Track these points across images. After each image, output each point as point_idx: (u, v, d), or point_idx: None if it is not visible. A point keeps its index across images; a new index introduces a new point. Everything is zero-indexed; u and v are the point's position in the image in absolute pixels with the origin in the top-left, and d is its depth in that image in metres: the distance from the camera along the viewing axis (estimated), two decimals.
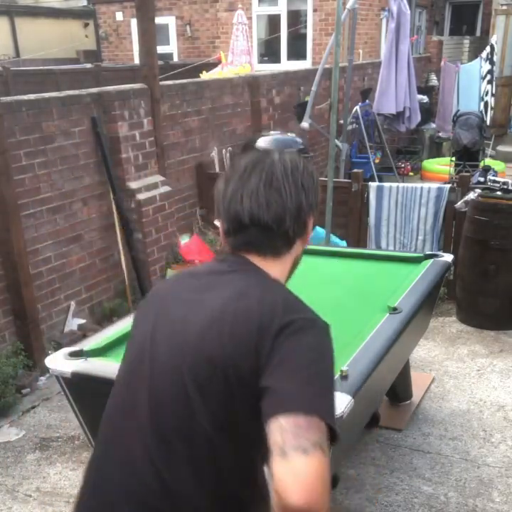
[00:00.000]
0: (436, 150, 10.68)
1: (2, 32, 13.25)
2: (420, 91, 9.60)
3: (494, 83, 10.32)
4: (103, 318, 4.92)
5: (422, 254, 3.77)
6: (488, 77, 9.95)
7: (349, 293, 3.37)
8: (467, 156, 8.15)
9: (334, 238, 5.42)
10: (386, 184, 5.54)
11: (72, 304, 4.75)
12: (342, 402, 2.13)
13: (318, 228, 5.51)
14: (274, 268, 1.42)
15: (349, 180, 5.73)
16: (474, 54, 13.07)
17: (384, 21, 11.64)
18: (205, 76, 8.14)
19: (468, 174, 5.97)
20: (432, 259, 3.63)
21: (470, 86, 9.42)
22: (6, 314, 4.25)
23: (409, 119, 8.26)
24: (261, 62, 11.89)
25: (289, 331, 1.25)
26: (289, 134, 6.88)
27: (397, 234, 5.44)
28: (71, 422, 3.68)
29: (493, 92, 10.30)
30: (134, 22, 11.06)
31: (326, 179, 5.42)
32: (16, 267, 4.15)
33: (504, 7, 12.42)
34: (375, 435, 3.55)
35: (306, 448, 1.10)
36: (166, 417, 1.32)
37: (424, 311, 3.27)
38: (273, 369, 1.22)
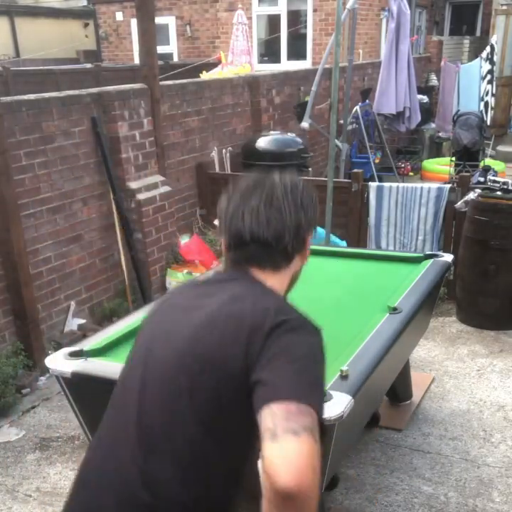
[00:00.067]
0: (436, 150, 10.67)
1: (2, 32, 13.25)
2: (420, 91, 9.59)
3: (494, 83, 10.32)
4: (103, 318, 4.92)
5: (422, 254, 3.77)
6: (489, 77, 9.95)
7: (349, 293, 3.37)
8: (467, 156, 8.15)
9: (334, 238, 5.42)
10: (386, 184, 5.53)
11: (72, 303, 4.75)
12: (342, 402, 2.13)
13: (318, 228, 5.51)
14: (273, 280, 1.48)
15: (349, 180, 5.73)
16: (474, 54, 13.07)
17: (384, 21, 11.65)
18: (205, 76, 8.14)
19: (468, 174, 5.97)
20: (432, 259, 3.63)
21: (470, 86, 9.41)
22: (6, 314, 4.25)
23: (409, 119, 8.26)
24: (261, 62, 11.89)
25: (281, 330, 1.30)
26: (289, 134, 6.89)
27: (397, 234, 5.44)
28: (71, 422, 3.69)
29: (494, 92, 10.30)
30: (134, 22, 11.07)
31: (326, 179, 5.42)
32: (16, 267, 4.15)
33: (504, 7, 12.42)
34: (375, 435, 3.55)
35: (297, 431, 1.14)
36: (153, 415, 1.37)
37: (424, 311, 3.27)
38: (265, 363, 1.26)
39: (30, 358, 4.25)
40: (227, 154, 6.53)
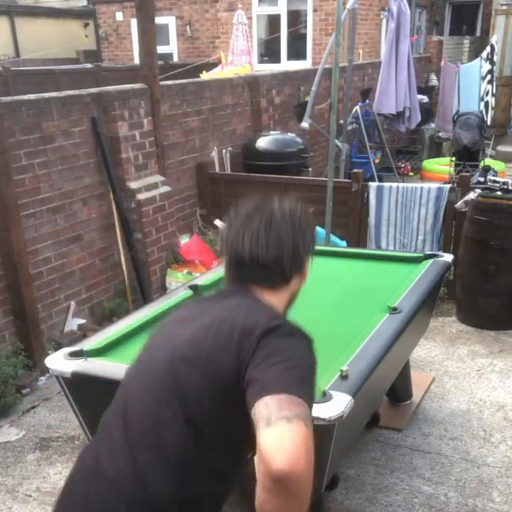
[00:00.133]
0: (436, 150, 10.67)
1: (2, 32, 13.25)
2: (420, 91, 9.59)
3: (494, 83, 10.31)
4: (103, 318, 4.92)
5: (422, 254, 3.77)
6: (489, 77, 9.94)
7: (349, 293, 3.38)
8: (467, 156, 8.15)
9: (334, 238, 5.42)
10: (386, 184, 5.53)
11: (72, 304, 4.75)
12: (342, 402, 2.13)
13: (318, 228, 5.51)
14: (271, 298, 1.55)
15: (349, 180, 5.73)
16: (474, 54, 13.07)
17: (384, 21, 11.65)
18: (205, 76, 8.14)
19: (468, 174, 5.97)
20: (432, 259, 3.63)
21: (470, 86, 9.41)
22: (6, 314, 4.25)
23: (409, 119, 8.26)
24: (261, 62, 11.89)
25: (273, 335, 1.36)
26: (289, 133, 6.89)
27: (397, 234, 5.44)
28: (71, 422, 3.69)
29: (494, 92, 10.29)
30: (134, 22, 11.07)
31: (326, 179, 5.42)
32: (16, 267, 4.15)
33: (504, 7, 12.42)
34: (375, 435, 3.55)
35: (290, 417, 1.19)
36: (143, 415, 1.44)
37: (424, 311, 3.27)
38: (256, 364, 1.31)
39: (30, 358, 4.25)
40: (227, 154, 6.53)
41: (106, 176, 4.88)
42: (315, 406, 2.01)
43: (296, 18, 11.89)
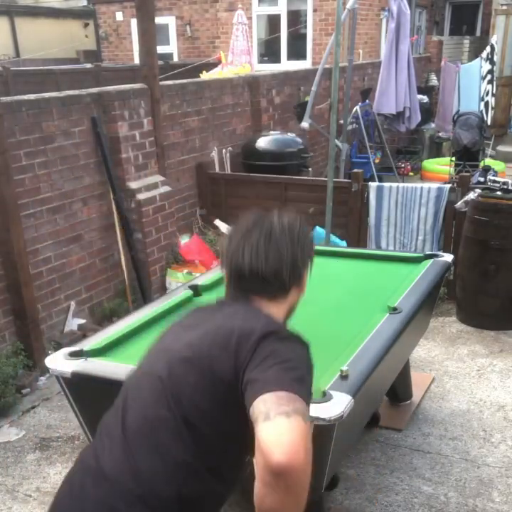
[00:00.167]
0: (436, 150, 10.67)
1: (2, 32, 13.25)
2: (420, 91, 9.59)
3: (494, 83, 10.31)
4: (103, 318, 4.92)
5: (422, 254, 3.77)
6: (489, 77, 9.94)
7: (349, 293, 3.38)
8: (467, 156, 8.15)
9: (334, 238, 5.42)
10: (386, 184, 5.53)
11: (72, 304, 4.75)
12: (342, 402, 2.13)
13: (318, 228, 5.51)
14: (270, 308, 1.58)
15: (349, 180, 5.73)
16: (474, 54, 13.07)
17: (384, 21, 11.64)
18: (205, 76, 8.14)
19: (468, 174, 5.97)
20: (432, 259, 3.63)
21: (470, 86, 9.40)
22: (6, 314, 4.25)
23: (409, 119, 8.26)
24: (261, 62, 11.89)
25: (273, 337, 1.40)
26: (289, 133, 6.89)
27: (397, 234, 5.43)
28: (71, 422, 3.69)
29: (494, 92, 10.29)
30: (134, 22, 11.07)
31: (326, 179, 5.42)
32: (16, 267, 4.15)
33: (504, 7, 12.42)
34: (375, 435, 3.55)
35: (288, 412, 1.21)
36: (140, 415, 1.47)
37: (424, 311, 3.27)
38: (254, 366, 1.34)
39: (30, 358, 4.25)
40: (227, 154, 6.53)
41: (106, 176, 4.88)
42: (315, 406, 2.02)
43: (296, 18, 11.89)
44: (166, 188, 5.39)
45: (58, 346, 4.15)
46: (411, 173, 9.31)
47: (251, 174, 6.15)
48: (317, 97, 7.14)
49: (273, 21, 12.03)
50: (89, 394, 2.53)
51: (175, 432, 1.41)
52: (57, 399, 4.03)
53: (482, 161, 8.14)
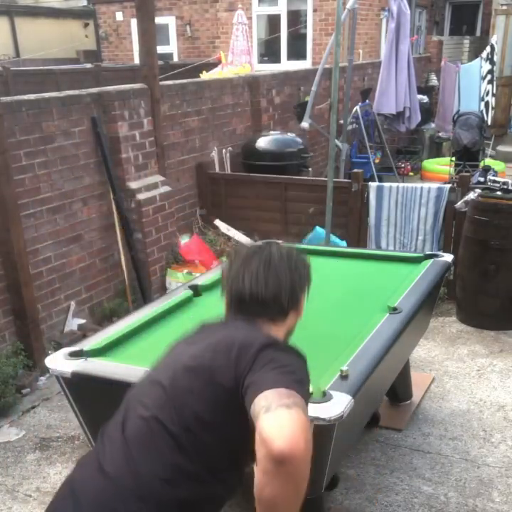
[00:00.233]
0: (436, 150, 10.67)
1: (2, 32, 13.25)
2: (420, 91, 9.58)
3: (495, 83, 10.31)
4: (103, 318, 4.92)
5: (422, 254, 3.77)
6: (489, 77, 9.94)
7: (349, 293, 3.38)
8: (467, 156, 8.14)
9: (334, 238, 5.42)
10: (386, 184, 5.53)
11: (72, 304, 4.75)
12: (342, 402, 2.13)
13: (318, 228, 5.52)
14: (269, 330, 1.65)
15: (349, 180, 5.73)
16: (474, 54, 13.06)
17: (384, 21, 11.64)
18: (205, 76, 8.13)
19: (468, 174, 5.97)
20: (432, 259, 3.63)
21: (470, 86, 9.40)
22: (6, 314, 4.25)
23: (409, 119, 8.26)
24: (261, 62, 11.89)
25: (273, 349, 1.47)
26: (289, 133, 6.89)
27: (397, 234, 5.43)
28: (71, 422, 3.69)
29: (494, 92, 10.29)
30: (134, 22, 11.07)
31: (326, 179, 5.42)
32: (16, 267, 4.15)
33: (504, 7, 12.42)
34: (375, 435, 3.55)
35: (289, 405, 1.27)
36: (141, 422, 1.50)
37: (424, 311, 3.27)
38: (258, 369, 1.40)
39: (30, 358, 4.25)
40: (227, 154, 6.53)
41: (106, 176, 4.88)
42: (315, 406, 2.03)
43: (296, 18, 11.89)
44: (166, 188, 5.39)
45: (58, 346, 4.15)
46: (411, 173, 9.31)
47: (251, 174, 6.15)
48: (317, 97, 7.14)
49: (273, 21, 12.03)
50: (89, 394, 2.53)
51: (175, 439, 1.43)
52: (57, 399, 4.03)
53: (482, 161, 8.14)
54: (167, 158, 5.64)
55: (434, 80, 11.86)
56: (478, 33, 16.37)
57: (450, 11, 17.01)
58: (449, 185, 5.44)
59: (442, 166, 8.84)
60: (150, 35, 5.30)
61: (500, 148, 10.93)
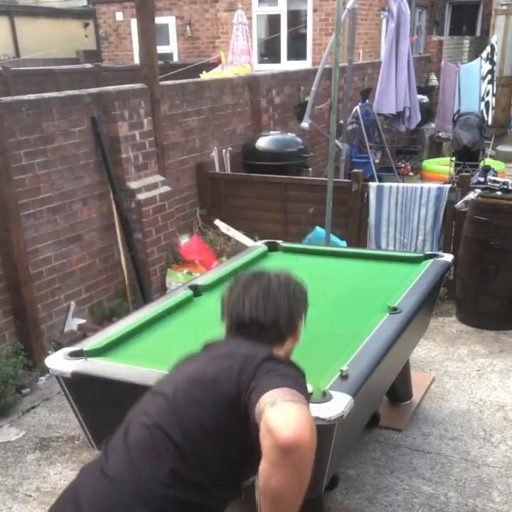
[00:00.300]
0: (436, 150, 10.67)
1: (2, 32, 13.24)
2: (420, 91, 9.58)
3: (495, 83, 10.31)
4: (103, 318, 4.92)
5: (422, 254, 3.77)
6: (489, 77, 9.94)
7: (349, 293, 3.38)
8: (467, 156, 8.15)
9: (334, 238, 5.42)
10: (386, 184, 5.53)
11: (72, 304, 4.75)
12: (342, 402, 2.13)
13: (318, 228, 5.52)
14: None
15: (349, 180, 5.73)
16: (474, 54, 13.06)
17: (384, 21, 11.64)
18: (205, 76, 8.13)
19: (468, 174, 5.97)
20: (432, 259, 3.63)
21: (470, 86, 9.40)
22: (6, 314, 4.25)
23: (409, 119, 8.25)
24: (261, 62, 11.89)
25: (274, 361, 1.54)
26: (289, 133, 6.89)
27: (397, 234, 5.43)
28: (71, 422, 3.69)
29: (494, 92, 10.29)
30: (134, 22, 11.07)
31: (326, 179, 5.42)
32: (16, 267, 4.15)
33: (504, 7, 12.42)
34: (375, 435, 3.55)
35: (294, 400, 1.33)
36: (142, 428, 1.53)
37: (424, 311, 3.27)
38: (260, 377, 1.46)
39: (30, 358, 4.25)
40: (227, 154, 6.53)
41: (106, 176, 4.88)
42: (315, 406, 2.02)
43: (296, 18, 11.89)
44: (166, 188, 5.39)
45: (58, 346, 4.15)
46: (411, 173, 9.31)
47: (251, 174, 6.15)
48: (317, 97, 7.14)
49: (273, 21, 12.03)
50: (89, 394, 2.53)
51: (177, 448, 1.46)
52: (57, 399, 4.03)
53: (482, 161, 8.14)
54: (167, 158, 5.64)
55: (434, 80, 11.86)
56: (478, 33, 16.37)
57: (450, 10, 17.01)
58: (449, 185, 5.44)
59: (442, 166, 8.84)
60: (150, 35, 5.30)
61: (500, 148, 10.93)
